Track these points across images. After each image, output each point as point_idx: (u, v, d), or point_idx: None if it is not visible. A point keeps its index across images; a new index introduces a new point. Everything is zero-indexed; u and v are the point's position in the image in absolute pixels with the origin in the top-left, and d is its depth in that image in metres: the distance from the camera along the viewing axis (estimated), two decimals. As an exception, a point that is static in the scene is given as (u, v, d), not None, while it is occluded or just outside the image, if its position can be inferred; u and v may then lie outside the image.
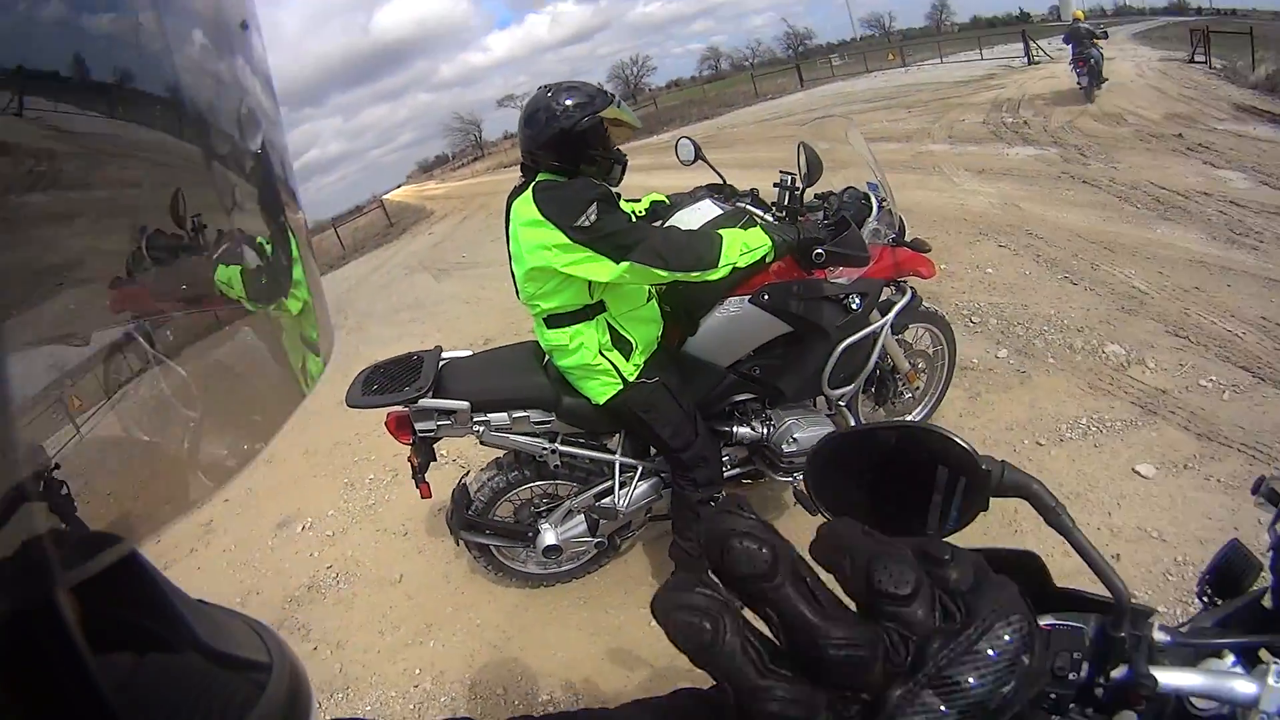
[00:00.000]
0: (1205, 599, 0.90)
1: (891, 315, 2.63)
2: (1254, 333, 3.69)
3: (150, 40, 0.30)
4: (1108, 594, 0.70)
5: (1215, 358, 3.52)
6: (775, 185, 2.56)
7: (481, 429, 2.39)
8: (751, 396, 2.58)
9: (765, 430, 2.55)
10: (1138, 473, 2.83)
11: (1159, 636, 0.71)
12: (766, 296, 2.36)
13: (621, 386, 2.28)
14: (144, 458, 0.35)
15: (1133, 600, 0.70)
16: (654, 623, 0.30)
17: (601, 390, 2.30)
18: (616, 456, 2.52)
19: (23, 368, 0.26)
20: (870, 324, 2.56)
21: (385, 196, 36.83)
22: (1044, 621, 0.74)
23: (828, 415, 2.67)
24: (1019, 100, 12.45)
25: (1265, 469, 2.72)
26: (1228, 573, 0.89)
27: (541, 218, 2.03)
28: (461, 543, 2.67)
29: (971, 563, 0.34)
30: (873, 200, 2.58)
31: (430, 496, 2.58)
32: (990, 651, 0.30)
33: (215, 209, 0.34)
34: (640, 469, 2.55)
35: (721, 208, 2.49)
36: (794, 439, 2.49)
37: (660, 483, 2.56)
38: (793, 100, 23.20)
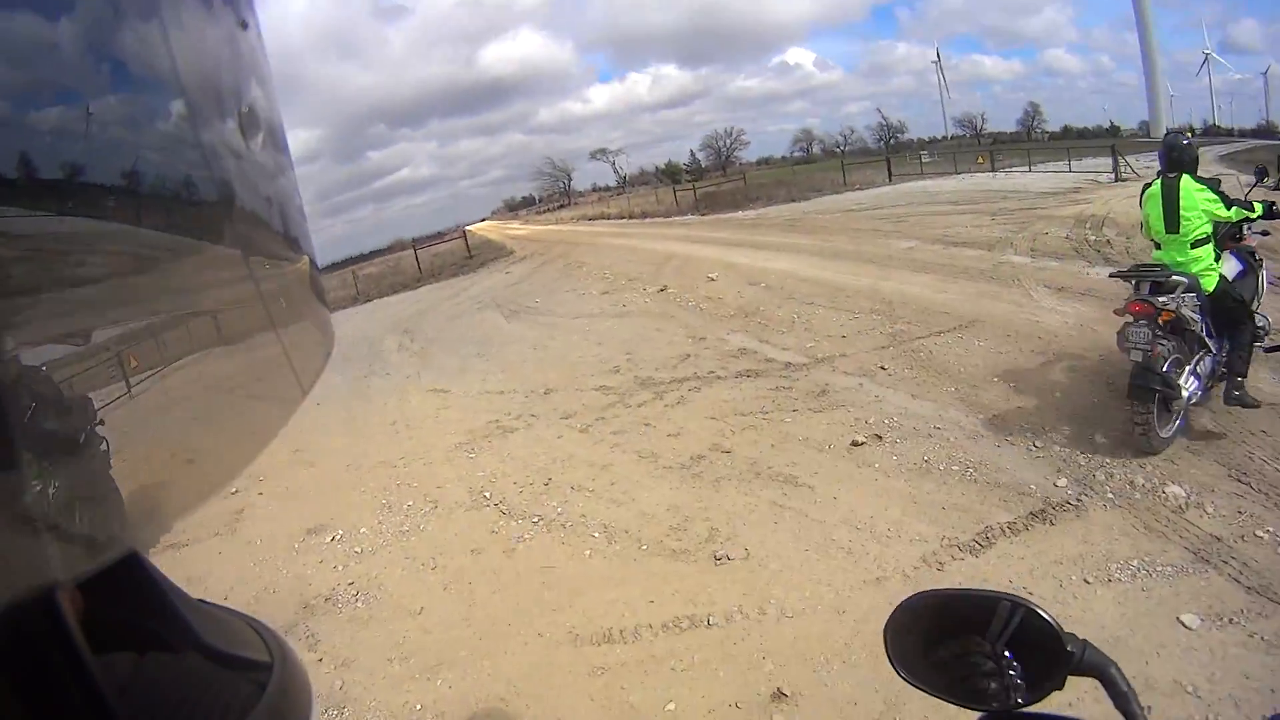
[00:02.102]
0: None
1: None
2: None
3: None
4: None
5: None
6: (1254, 174, 5.01)
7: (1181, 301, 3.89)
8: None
9: None
10: None
11: None
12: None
13: (1219, 281, 3.99)
14: (142, 460, 0.36)
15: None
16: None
17: (1212, 281, 3.98)
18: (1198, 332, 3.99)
19: (21, 369, 0.27)
20: None
21: (468, 227, 38.28)
22: None
23: None
24: (1103, 218, 12.15)
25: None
26: None
27: (1211, 193, 3.93)
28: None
29: None
30: None
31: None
32: None
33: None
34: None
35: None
36: None
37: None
38: (879, 193, 22.79)
